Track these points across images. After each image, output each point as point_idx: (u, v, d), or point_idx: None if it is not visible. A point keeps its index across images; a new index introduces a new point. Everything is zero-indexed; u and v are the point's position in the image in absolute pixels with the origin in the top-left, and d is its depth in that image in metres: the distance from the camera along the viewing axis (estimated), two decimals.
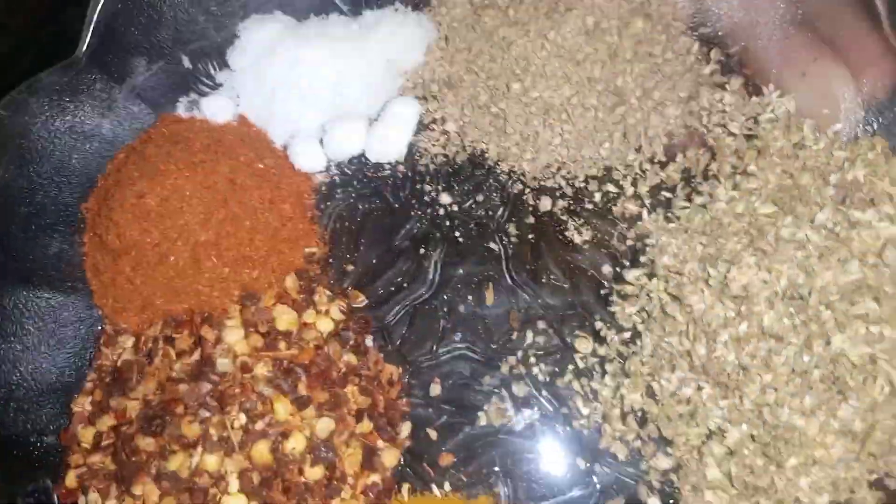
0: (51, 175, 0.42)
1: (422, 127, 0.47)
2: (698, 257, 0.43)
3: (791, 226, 0.41)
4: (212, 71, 0.47)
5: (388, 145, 0.46)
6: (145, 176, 0.42)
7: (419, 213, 0.45)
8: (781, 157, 0.45)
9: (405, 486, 0.41)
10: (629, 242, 0.44)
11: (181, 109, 0.47)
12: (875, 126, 0.44)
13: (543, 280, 0.44)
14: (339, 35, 0.47)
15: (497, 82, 0.45)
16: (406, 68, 0.48)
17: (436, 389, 0.43)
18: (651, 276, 0.44)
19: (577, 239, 0.45)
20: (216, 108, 0.46)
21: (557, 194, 0.45)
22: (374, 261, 0.45)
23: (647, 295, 0.43)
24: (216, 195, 0.42)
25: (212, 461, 0.38)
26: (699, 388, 0.40)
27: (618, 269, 0.44)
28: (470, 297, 0.44)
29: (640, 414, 0.41)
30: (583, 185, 0.45)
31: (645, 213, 0.45)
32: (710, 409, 0.40)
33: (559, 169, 0.46)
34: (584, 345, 0.43)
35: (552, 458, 0.41)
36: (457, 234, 0.45)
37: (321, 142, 0.46)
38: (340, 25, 0.48)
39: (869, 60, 0.44)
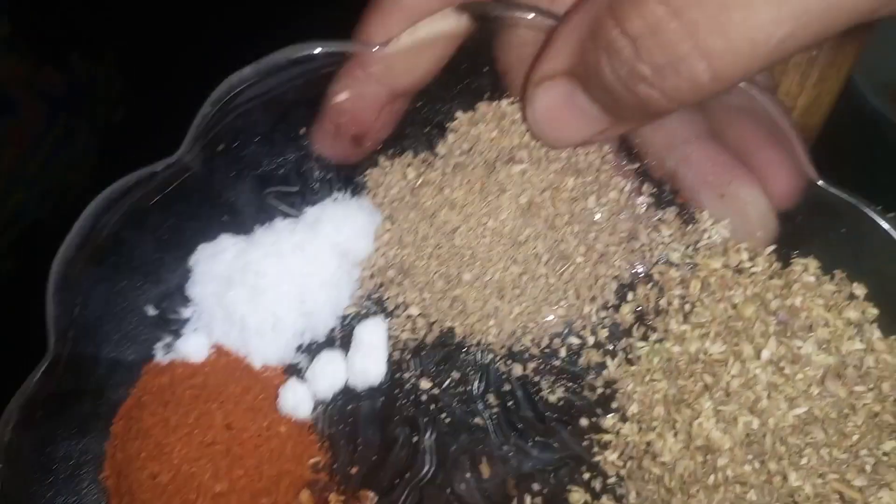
0: (61, 484, 0.45)
1: (389, 314, 0.49)
2: (662, 401, 0.48)
3: (740, 374, 0.45)
4: (177, 310, 0.48)
5: (369, 373, 0.48)
6: (152, 456, 0.45)
7: (404, 401, 0.49)
8: (722, 286, 0.48)
9: None
10: (599, 391, 0.48)
11: (159, 355, 0.48)
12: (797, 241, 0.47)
13: (530, 443, 0.48)
14: (289, 246, 0.47)
15: (448, 269, 0.47)
16: (359, 258, 0.49)
17: None
18: (624, 420, 0.48)
19: (553, 398, 0.48)
20: (192, 347, 0.47)
21: (526, 356, 0.48)
22: (374, 457, 0.48)
23: (625, 440, 0.48)
24: (218, 447, 0.46)
25: None
26: None
27: (593, 419, 0.48)
28: (468, 473, 0.48)
29: None
30: (548, 343, 0.48)
31: (608, 359, 0.48)
32: None
33: (524, 333, 0.48)
34: (577, 497, 0.48)
35: None
36: (443, 415, 0.49)
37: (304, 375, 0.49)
38: (286, 232, 0.48)
39: (773, 170, 0.45)
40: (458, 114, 0.48)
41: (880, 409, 0.43)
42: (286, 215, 0.49)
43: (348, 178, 0.50)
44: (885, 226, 0.43)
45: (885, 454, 0.43)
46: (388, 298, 0.49)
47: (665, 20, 0.34)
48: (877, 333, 0.44)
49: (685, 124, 0.47)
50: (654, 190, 0.49)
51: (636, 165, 0.48)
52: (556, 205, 0.46)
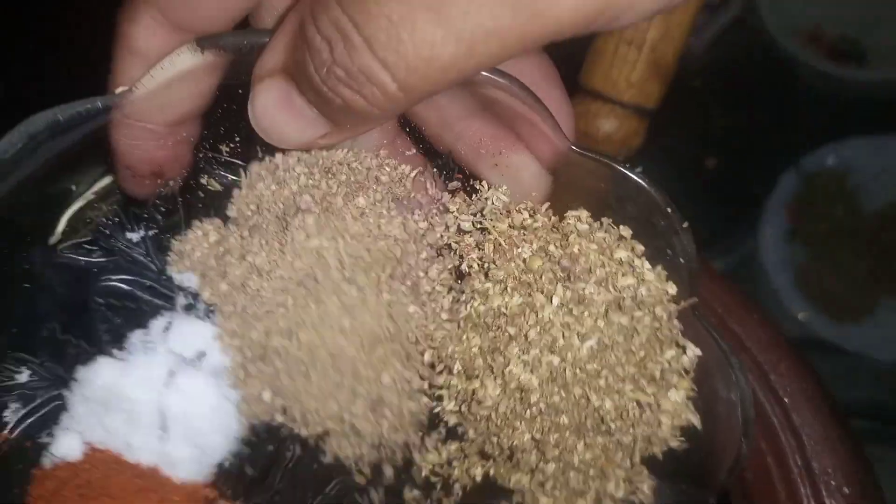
0: None
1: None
2: (479, 353, 0.53)
3: (537, 322, 0.50)
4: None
5: None
6: None
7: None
8: (511, 244, 0.52)
9: None
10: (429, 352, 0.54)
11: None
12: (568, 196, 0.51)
13: None
14: (162, 374, 0.49)
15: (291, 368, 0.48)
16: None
17: None
18: (452, 374, 0.54)
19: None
20: (66, 448, 0.49)
21: None
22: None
23: (456, 391, 0.54)
24: None
25: None
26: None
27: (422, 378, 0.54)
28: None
29: None
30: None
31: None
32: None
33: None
34: (430, 443, 0.55)
35: None
36: None
37: None
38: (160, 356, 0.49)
39: (535, 138, 0.49)
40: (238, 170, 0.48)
41: (658, 325, 0.50)
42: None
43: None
44: (634, 177, 0.47)
45: (668, 361, 0.51)
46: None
47: (348, 29, 0.34)
48: (646, 266, 0.50)
49: (456, 102, 0.49)
50: (436, 171, 0.51)
51: (414, 151, 0.50)
52: (370, 289, 0.47)
